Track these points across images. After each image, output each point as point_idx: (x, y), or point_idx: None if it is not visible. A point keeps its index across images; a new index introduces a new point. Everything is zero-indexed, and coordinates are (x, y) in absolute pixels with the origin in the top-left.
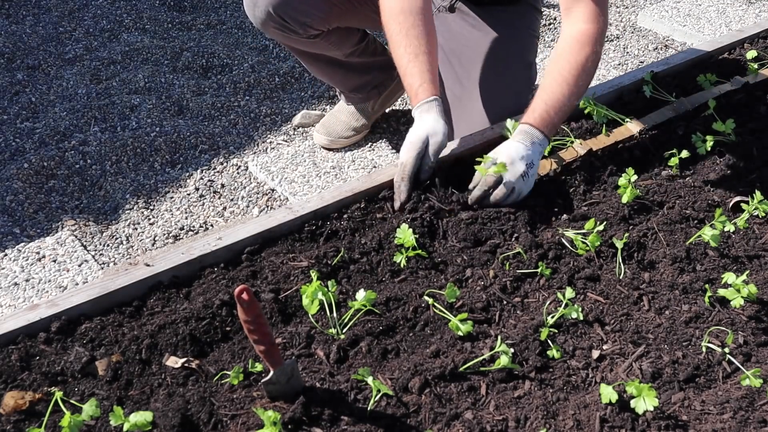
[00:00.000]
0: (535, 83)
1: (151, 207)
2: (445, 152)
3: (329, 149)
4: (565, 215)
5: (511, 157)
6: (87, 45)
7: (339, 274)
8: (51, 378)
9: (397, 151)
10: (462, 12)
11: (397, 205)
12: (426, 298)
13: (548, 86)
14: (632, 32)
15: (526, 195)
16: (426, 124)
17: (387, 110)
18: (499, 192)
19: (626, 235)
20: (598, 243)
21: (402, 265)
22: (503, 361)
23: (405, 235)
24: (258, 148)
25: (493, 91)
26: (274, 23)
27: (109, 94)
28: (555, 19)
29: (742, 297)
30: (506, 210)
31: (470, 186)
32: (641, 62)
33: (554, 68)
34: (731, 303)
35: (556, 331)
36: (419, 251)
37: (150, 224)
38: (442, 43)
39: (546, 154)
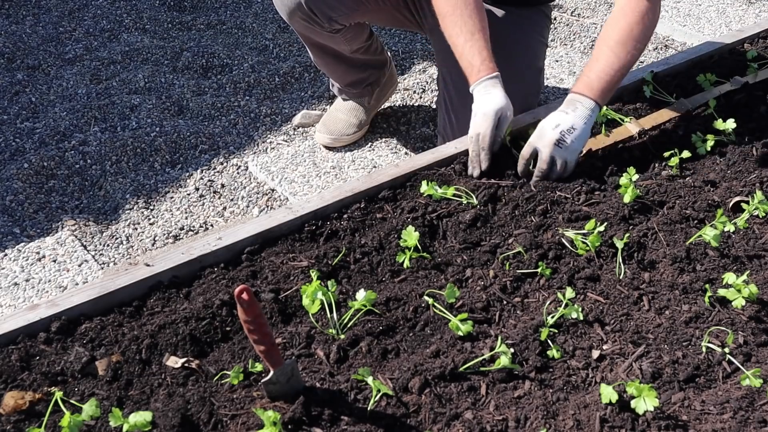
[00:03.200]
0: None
1: (151, 207)
2: (444, 151)
3: (332, 148)
4: (565, 215)
5: (542, 128)
6: (87, 45)
7: (339, 274)
8: (51, 378)
9: (398, 151)
10: None
11: (476, 173)
12: (426, 298)
13: (596, 54)
14: None
15: (574, 161)
16: (496, 99)
17: (384, 106)
18: (542, 165)
19: (626, 235)
20: (599, 243)
21: (405, 266)
22: (503, 361)
23: (411, 237)
24: (258, 148)
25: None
26: (303, 14)
27: (109, 94)
28: (555, 19)
29: (743, 297)
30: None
31: (519, 161)
32: (641, 62)
33: (602, 36)
34: (732, 303)
35: (556, 331)
36: (423, 254)
37: (150, 224)
38: None
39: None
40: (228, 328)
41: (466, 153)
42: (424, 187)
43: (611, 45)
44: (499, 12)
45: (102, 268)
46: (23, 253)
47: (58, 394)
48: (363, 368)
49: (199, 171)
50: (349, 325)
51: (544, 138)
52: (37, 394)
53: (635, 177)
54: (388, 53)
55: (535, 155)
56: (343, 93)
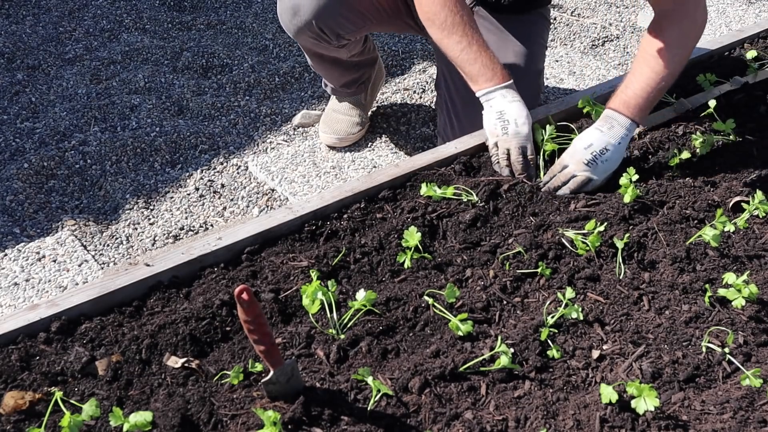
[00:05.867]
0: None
1: (151, 207)
2: (444, 151)
3: (336, 147)
4: (565, 215)
5: (575, 147)
6: (87, 45)
7: (339, 274)
8: (51, 378)
9: (398, 151)
10: (480, 16)
11: (530, 181)
12: (426, 298)
13: (636, 69)
14: (632, 32)
15: (602, 180)
16: (525, 109)
17: (384, 106)
18: (571, 185)
19: (626, 235)
20: (598, 243)
21: (407, 266)
22: (503, 361)
23: (412, 237)
24: (258, 148)
25: None
26: (312, 34)
27: (109, 94)
28: (555, 19)
29: (743, 297)
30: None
31: (548, 175)
32: None
33: (642, 46)
34: (732, 303)
35: (556, 331)
36: (425, 254)
37: (150, 224)
38: None
39: (547, 155)
40: (228, 328)
41: (466, 153)
42: (424, 189)
43: (647, 58)
44: (498, 18)
45: (102, 268)
46: (23, 253)
47: (58, 394)
48: (363, 368)
49: (199, 171)
50: (349, 325)
51: (575, 156)
52: (37, 394)
53: (635, 177)
54: (377, 49)
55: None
56: (337, 93)
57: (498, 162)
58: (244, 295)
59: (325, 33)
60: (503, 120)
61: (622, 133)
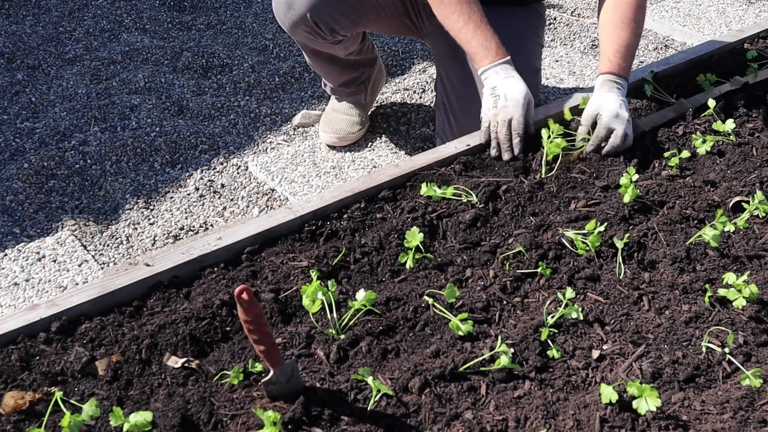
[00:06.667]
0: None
1: (151, 207)
2: (444, 151)
3: (336, 147)
4: (565, 215)
5: (614, 110)
6: (87, 45)
7: (339, 274)
8: (51, 378)
9: (398, 151)
10: None
11: (507, 156)
12: (426, 298)
13: (613, 32)
14: None
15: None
16: (520, 83)
17: (384, 106)
18: (616, 141)
19: (626, 235)
20: (598, 243)
21: (408, 266)
22: (503, 361)
23: (414, 238)
24: (258, 148)
25: None
26: (307, 27)
27: (109, 94)
28: (555, 19)
29: (744, 297)
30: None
31: (578, 140)
32: (641, 62)
33: (613, 15)
34: (733, 304)
35: (556, 331)
36: (427, 255)
37: (150, 224)
38: (455, 44)
39: (549, 156)
40: (228, 328)
41: (466, 153)
42: (424, 189)
43: (626, 19)
44: (492, 13)
45: (102, 268)
46: (23, 253)
47: (58, 394)
48: (363, 368)
49: (199, 171)
50: (349, 325)
51: (620, 117)
52: (37, 394)
53: (635, 177)
54: (377, 49)
55: (594, 126)
56: (336, 93)
57: (489, 135)
58: (244, 295)
59: (320, 27)
60: (495, 95)
61: (624, 95)
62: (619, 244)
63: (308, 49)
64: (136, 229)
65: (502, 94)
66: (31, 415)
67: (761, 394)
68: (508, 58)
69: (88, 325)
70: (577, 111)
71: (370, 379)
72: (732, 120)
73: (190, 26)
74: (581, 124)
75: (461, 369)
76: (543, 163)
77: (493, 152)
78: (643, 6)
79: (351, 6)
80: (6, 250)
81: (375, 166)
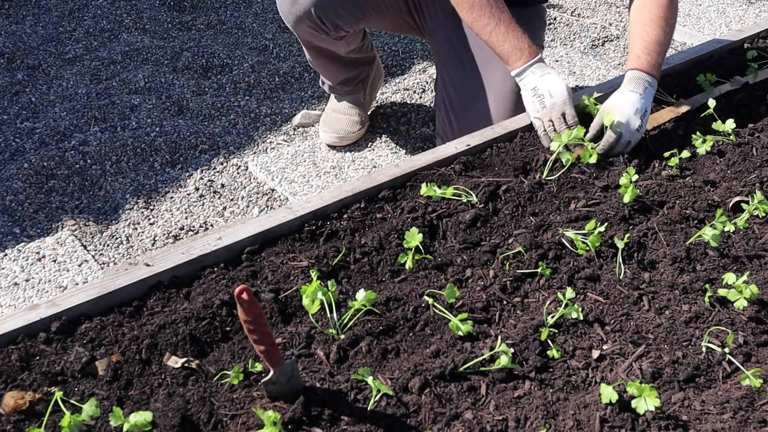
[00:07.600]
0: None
1: (151, 207)
2: (444, 151)
3: (336, 147)
4: (565, 215)
5: (627, 115)
6: (87, 45)
7: (339, 274)
8: (51, 378)
9: (398, 151)
10: None
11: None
12: (426, 298)
13: (642, 30)
14: None
15: (636, 141)
16: (558, 78)
17: (384, 106)
18: (618, 148)
19: (626, 235)
20: (599, 243)
21: (408, 267)
22: (503, 361)
23: (414, 238)
24: (258, 148)
25: (499, 95)
26: (310, 23)
27: (109, 94)
28: (555, 19)
29: (744, 298)
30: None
31: (588, 137)
32: None
33: (642, 14)
34: (734, 304)
35: (556, 331)
36: (427, 256)
37: (150, 224)
38: (455, 43)
39: (551, 156)
40: (228, 328)
41: (466, 153)
42: (424, 189)
43: (657, 17)
44: None
45: (102, 268)
46: (23, 253)
47: (58, 394)
48: (363, 368)
49: (199, 171)
50: (349, 325)
51: (630, 124)
52: (37, 394)
53: (635, 177)
54: (375, 48)
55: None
56: (335, 91)
57: (546, 135)
58: (244, 295)
59: (324, 23)
60: (538, 95)
61: (653, 93)
62: (620, 244)
63: (310, 45)
64: (136, 229)
65: (545, 92)
66: (31, 415)
67: (761, 394)
68: (540, 55)
69: (88, 325)
70: (577, 111)
71: (370, 379)
72: (732, 120)
73: (190, 26)
74: (593, 124)
75: (461, 369)
76: (549, 165)
77: (546, 143)
78: (674, 6)
79: (354, 2)
80: (6, 250)
81: (375, 166)
